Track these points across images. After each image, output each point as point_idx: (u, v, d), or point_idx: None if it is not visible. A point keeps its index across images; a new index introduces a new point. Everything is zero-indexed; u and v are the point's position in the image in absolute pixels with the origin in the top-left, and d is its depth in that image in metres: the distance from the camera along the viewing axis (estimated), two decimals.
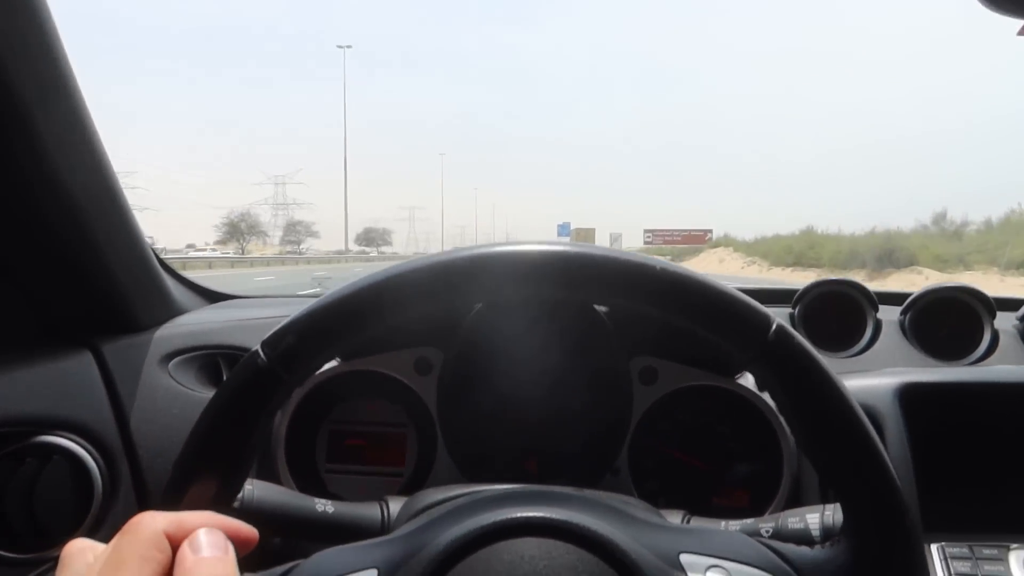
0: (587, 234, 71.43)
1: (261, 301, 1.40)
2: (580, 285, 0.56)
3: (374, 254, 75.59)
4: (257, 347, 0.57)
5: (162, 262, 1.13)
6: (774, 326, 0.57)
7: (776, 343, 0.56)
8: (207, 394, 1.01)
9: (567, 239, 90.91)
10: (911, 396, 0.93)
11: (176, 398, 1.00)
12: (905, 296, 1.30)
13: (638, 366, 0.98)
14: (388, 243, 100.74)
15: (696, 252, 52.40)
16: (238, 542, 0.45)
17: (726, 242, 48.73)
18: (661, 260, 0.58)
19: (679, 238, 60.10)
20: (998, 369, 1.07)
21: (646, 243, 59.37)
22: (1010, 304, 1.34)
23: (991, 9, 0.56)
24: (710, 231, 59.25)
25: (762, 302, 1.61)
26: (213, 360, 1.09)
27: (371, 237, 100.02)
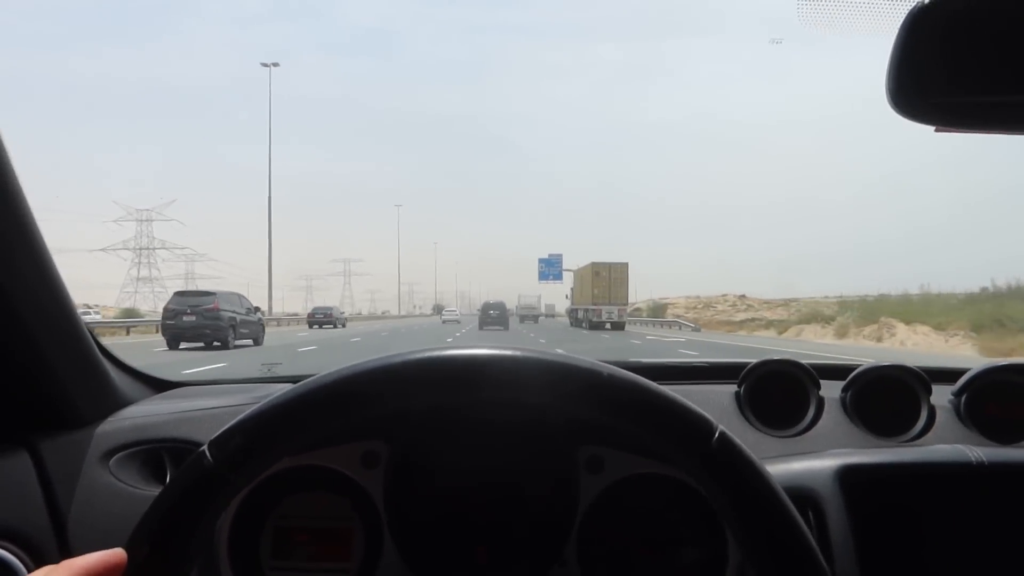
0: (615, 272, 42.63)
1: (211, 389, 1.36)
2: (526, 389, 0.60)
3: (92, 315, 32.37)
4: (204, 447, 0.58)
5: (104, 350, 1.10)
6: (716, 433, 0.60)
7: (718, 451, 0.59)
8: (151, 491, 0.99)
9: (558, 284, 66.67)
10: (851, 478, 0.99)
11: (117, 497, 0.99)
12: (847, 370, 1.35)
13: (584, 455, 0.98)
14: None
15: None
16: (107, 570, 0.49)
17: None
18: (608, 366, 0.63)
19: None
20: (933, 449, 1.10)
21: None
22: (947, 376, 1.40)
23: (905, 117, 0.64)
24: None
25: (710, 378, 1.49)
26: (157, 455, 1.07)
27: None
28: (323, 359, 13.03)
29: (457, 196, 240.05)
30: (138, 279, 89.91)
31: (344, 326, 39.47)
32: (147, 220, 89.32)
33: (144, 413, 1.13)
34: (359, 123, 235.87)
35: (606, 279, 41.92)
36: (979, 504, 0.99)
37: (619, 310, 41.39)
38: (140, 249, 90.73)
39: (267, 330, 21.84)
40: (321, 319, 37.86)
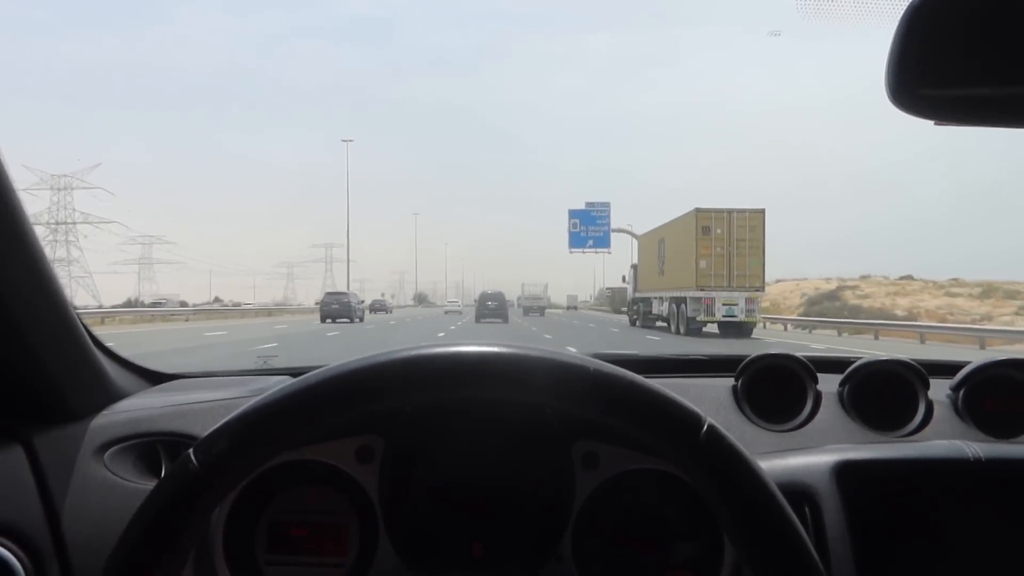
0: (741, 226, 21.86)
1: (206, 382, 1.36)
2: (510, 386, 0.60)
3: None
4: (190, 451, 0.59)
5: (98, 342, 1.09)
6: (705, 427, 0.60)
7: (707, 444, 0.60)
8: (145, 485, 0.99)
9: (601, 256, 46.31)
10: (848, 474, 0.99)
11: (112, 491, 0.98)
12: (845, 364, 1.34)
13: (580, 451, 0.97)
14: None
15: None
16: None
17: None
18: (595, 361, 0.62)
19: None
20: (930, 445, 1.10)
21: None
22: (946, 369, 1.39)
23: (904, 112, 0.66)
24: None
25: (707, 371, 1.51)
26: (152, 448, 1.06)
27: None
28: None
29: (450, 185, 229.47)
30: (53, 261, 70.60)
31: (391, 312, 54.68)
32: (65, 188, 71.18)
33: (138, 406, 1.11)
34: (349, 110, 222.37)
35: (723, 240, 21.72)
36: (977, 500, 0.99)
37: (747, 300, 21.31)
38: (56, 224, 72.14)
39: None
40: (378, 308, 51.12)
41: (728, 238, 21.61)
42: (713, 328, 21.95)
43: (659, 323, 26.49)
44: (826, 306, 34.86)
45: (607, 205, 38.26)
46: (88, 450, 1.01)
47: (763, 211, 21.90)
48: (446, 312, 54.00)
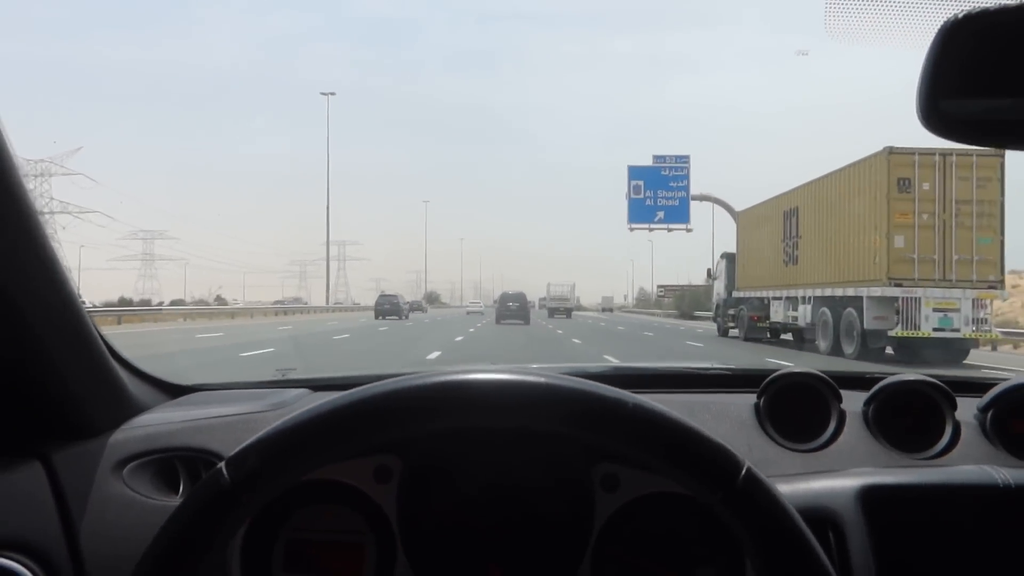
0: (964, 178, 12.30)
1: (225, 395, 1.34)
2: (543, 417, 0.61)
3: None
4: (221, 465, 0.60)
5: (116, 353, 1.08)
6: (743, 471, 0.60)
7: (744, 489, 0.59)
8: (163, 501, 1.00)
9: (674, 236, 36.28)
10: (873, 499, 0.98)
11: (130, 508, 0.99)
12: (870, 382, 1.32)
13: (599, 473, 0.96)
14: None
15: None
16: None
17: None
18: (634, 396, 0.62)
19: None
20: (958, 470, 1.09)
21: None
22: (975, 387, 1.38)
23: (937, 135, 0.66)
24: None
25: (731, 386, 1.45)
26: (171, 464, 1.06)
27: None
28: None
29: (468, 186, 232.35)
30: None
31: (427, 311, 62.89)
32: (43, 175, 64.03)
33: (157, 421, 1.11)
34: (367, 109, 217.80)
35: (933, 201, 13.15)
36: (1006, 527, 0.98)
37: (976, 303, 12.86)
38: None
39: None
40: (416, 308, 56.15)
41: (942, 198, 13.11)
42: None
43: (768, 335, 18.78)
44: None
45: (686, 160, 28.72)
46: (107, 466, 1.00)
47: (1001, 156, 13.30)
48: (468, 313, 53.58)
